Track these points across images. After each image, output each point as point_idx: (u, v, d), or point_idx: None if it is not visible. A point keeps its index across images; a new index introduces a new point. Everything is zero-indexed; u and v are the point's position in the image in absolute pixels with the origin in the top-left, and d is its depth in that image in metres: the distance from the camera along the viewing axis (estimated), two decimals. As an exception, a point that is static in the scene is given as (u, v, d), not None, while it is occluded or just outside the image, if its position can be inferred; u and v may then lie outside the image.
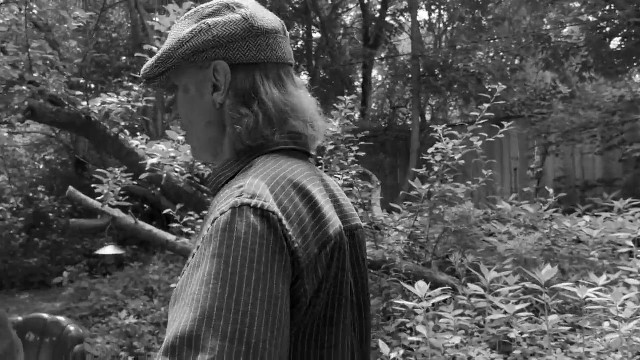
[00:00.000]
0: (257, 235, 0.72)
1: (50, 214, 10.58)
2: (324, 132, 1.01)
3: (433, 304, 3.22)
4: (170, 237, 4.52)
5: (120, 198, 3.59)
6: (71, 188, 4.01)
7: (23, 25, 2.85)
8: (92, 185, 3.36)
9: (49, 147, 11.69)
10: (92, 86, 11.57)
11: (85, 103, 2.94)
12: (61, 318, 3.00)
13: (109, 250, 4.17)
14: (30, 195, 10.59)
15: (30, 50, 2.75)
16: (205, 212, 2.22)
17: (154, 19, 2.87)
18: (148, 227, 4.61)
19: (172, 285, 6.26)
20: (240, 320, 0.67)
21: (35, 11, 7.65)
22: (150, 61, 0.92)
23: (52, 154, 11.77)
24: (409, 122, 12.73)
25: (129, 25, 10.99)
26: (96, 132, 2.97)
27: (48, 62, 2.96)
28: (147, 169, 2.79)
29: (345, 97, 3.88)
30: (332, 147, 3.80)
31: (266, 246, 0.72)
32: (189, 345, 0.66)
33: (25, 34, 2.78)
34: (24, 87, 2.88)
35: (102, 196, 3.56)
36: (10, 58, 2.62)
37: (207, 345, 0.65)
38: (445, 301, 3.25)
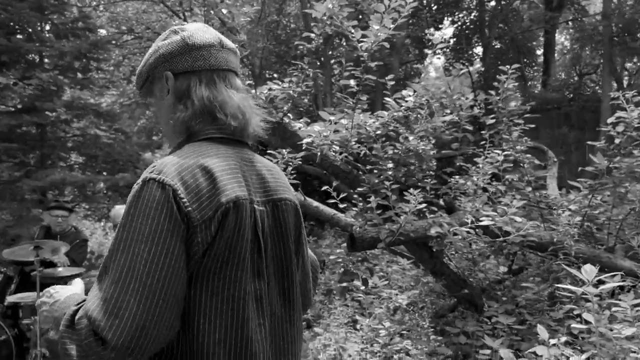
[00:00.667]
0: (154, 201, 1.02)
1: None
2: (257, 123, 1.24)
3: (612, 292, 2.89)
4: (335, 213, 4.77)
5: (290, 177, 3.92)
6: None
7: (211, 23, 3.25)
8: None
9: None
10: (275, 75, 12.68)
11: (253, 91, 3.28)
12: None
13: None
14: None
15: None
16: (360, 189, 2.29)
17: (310, 5, 3.07)
18: (315, 203, 4.93)
19: (338, 260, 6.63)
20: (129, 259, 1.00)
21: (224, 10, 8.69)
22: (135, 77, 1.26)
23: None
24: (599, 91, 11.22)
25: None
26: (263, 116, 3.30)
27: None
28: (303, 148, 3.02)
29: (507, 67, 3.63)
30: (492, 121, 3.60)
31: (160, 209, 1.01)
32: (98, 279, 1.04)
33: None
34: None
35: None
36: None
37: (104, 279, 1.03)
38: (624, 289, 2.90)
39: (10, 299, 4.20)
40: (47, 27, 7.00)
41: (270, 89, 3.33)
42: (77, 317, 1.02)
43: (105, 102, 7.86)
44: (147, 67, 1.22)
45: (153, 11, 9.87)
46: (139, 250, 1.00)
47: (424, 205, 3.13)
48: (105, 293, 0.99)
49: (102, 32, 8.30)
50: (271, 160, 3.77)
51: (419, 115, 3.66)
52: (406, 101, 3.58)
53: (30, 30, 6.54)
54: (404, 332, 3.67)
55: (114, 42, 8.43)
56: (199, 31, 1.22)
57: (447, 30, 19.35)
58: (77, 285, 1.26)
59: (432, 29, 16.22)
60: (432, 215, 3.35)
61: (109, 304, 0.98)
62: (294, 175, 4.10)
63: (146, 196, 1.03)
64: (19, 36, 6.37)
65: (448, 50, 15.45)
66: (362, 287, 4.13)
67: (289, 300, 1.24)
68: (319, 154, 3.14)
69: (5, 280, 4.10)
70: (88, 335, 0.97)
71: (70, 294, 1.17)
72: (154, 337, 0.99)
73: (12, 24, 6.22)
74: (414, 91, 3.70)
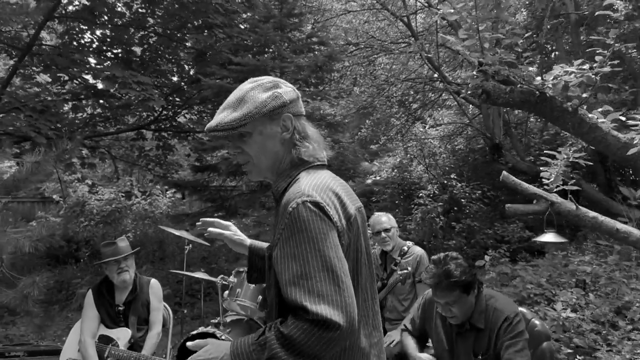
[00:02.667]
0: (317, 215, 1.36)
1: (462, 200, 11.28)
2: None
3: None
4: (620, 226, 3.84)
5: (569, 180, 3.22)
6: (505, 173, 3.89)
7: (472, 9, 2.81)
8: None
9: (458, 137, 12.51)
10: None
11: (539, 78, 2.71)
12: (524, 310, 2.88)
13: (549, 237, 3.84)
14: (445, 182, 11.56)
15: (480, 30, 2.69)
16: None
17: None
18: (592, 214, 4.05)
19: (604, 279, 5.49)
20: (325, 260, 1.32)
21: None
22: (235, 116, 1.50)
23: (461, 143, 12.54)
24: None
25: None
26: (552, 107, 2.70)
27: (495, 41, 2.86)
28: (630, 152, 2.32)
29: None
30: None
31: (321, 221, 1.36)
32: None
33: (475, 16, 2.74)
34: (474, 72, 2.86)
35: (549, 179, 3.29)
36: (468, 42, 2.63)
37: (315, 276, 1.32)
38: None
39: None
40: (285, 45, 7.42)
41: (557, 76, 2.70)
42: (287, 333, 1.29)
43: (338, 113, 8.07)
44: (267, 109, 1.50)
45: (375, 19, 9.95)
46: (327, 253, 1.32)
47: None
48: (318, 290, 1.28)
49: (334, 43, 8.60)
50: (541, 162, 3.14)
51: None
52: None
53: (272, 48, 7.01)
54: None
55: (343, 53, 8.64)
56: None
57: None
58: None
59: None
60: None
61: (326, 298, 1.27)
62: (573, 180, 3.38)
63: (308, 213, 1.35)
64: (264, 55, 6.86)
65: None
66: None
67: (374, 301, 1.64)
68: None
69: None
70: (307, 335, 1.26)
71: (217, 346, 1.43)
72: (356, 318, 1.30)
73: (259, 44, 6.73)
74: None
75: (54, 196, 13.71)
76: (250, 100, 1.50)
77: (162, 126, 10.14)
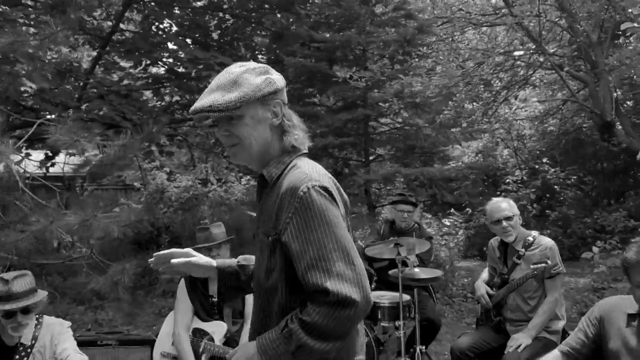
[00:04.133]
0: (326, 199, 1.41)
1: (556, 186, 10.37)
2: None
3: None
4: None
5: None
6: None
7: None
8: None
9: (550, 117, 11.51)
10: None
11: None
12: None
13: None
14: (535, 167, 10.68)
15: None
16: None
17: None
18: None
19: None
20: (339, 241, 1.38)
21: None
22: (231, 97, 1.47)
23: (554, 124, 11.54)
24: None
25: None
26: None
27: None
28: None
29: None
30: None
31: (331, 204, 1.41)
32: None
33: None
34: None
35: None
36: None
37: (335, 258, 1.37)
38: None
39: (372, 297, 3.97)
40: (369, 20, 6.93)
41: None
42: (305, 320, 1.35)
43: (430, 90, 7.53)
44: (261, 93, 1.49)
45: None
46: (340, 234, 1.39)
47: None
48: (337, 270, 1.34)
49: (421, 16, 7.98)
50: None
51: None
52: None
53: (356, 23, 6.55)
54: None
55: (435, 25, 8.03)
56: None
57: None
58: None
59: None
60: None
61: (344, 277, 1.33)
62: None
63: (319, 197, 1.40)
64: (348, 32, 6.42)
65: None
66: None
67: None
68: None
69: (368, 277, 3.86)
70: (327, 315, 1.33)
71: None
72: (370, 293, 1.37)
73: (342, 19, 6.30)
74: None
75: (135, 183, 14.13)
76: (245, 84, 1.49)
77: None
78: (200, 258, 1.78)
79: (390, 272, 3.94)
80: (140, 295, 6.80)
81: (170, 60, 7.17)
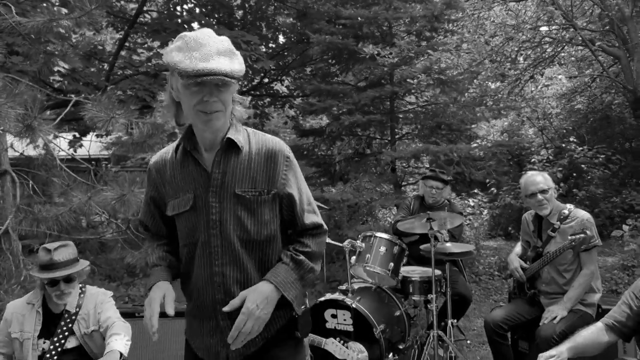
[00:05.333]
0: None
1: (583, 165, 10.19)
2: None
3: None
4: None
5: None
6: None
7: None
8: None
9: (577, 95, 11.26)
10: None
11: None
12: None
13: None
14: (562, 145, 10.50)
15: None
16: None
17: None
18: None
19: None
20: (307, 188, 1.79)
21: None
22: (241, 68, 1.56)
23: (581, 102, 11.29)
24: None
25: None
26: None
27: None
28: None
29: None
30: None
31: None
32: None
33: None
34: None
35: None
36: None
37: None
38: None
39: (403, 272, 4.01)
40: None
41: None
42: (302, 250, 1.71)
43: (457, 70, 7.42)
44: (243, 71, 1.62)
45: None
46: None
47: None
48: (317, 209, 1.78)
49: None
50: None
51: None
52: None
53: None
54: None
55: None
56: None
57: None
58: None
59: None
60: None
61: (319, 213, 1.79)
62: None
63: (294, 156, 1.74)
64: (374, 8, 6.35)
65: None
66: None
67: None
68: None
69: (399, 252, 3.89)
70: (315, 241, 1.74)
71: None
72: None
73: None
74: None
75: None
76: (239, 56, 1.59)
77: (259, 93, 10.04)
78: (167, 290, 1.67)
79: (421, 246, 3.96)
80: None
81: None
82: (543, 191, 3.32)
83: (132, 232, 4.67)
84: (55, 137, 5.10)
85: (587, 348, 2.26)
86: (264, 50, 8.74)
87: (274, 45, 9.30)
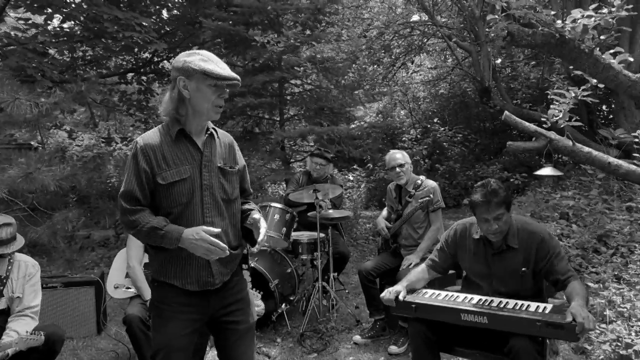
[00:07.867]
0: None
1: (445, 143, 11.74)
2: None
3: None
4: (612, 160, 4.27)
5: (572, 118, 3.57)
6: (507, 113, 4.19)
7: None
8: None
9: (441, 82, 12.80)
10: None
11: (559, 22, 2.97)
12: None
13: (547, 171, 4.21)
14: (428, 126, 11.96)
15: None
16: None
17: None
18: (586, 149, 4.45)
19: (586, 212, 6.02)
20: None
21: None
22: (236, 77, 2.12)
23: (444, 88, 12.86)
24: None
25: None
26: (570, 49, 2.99)
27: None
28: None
29: None
30: None
31: None
32: None
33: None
34: (496, 16, 3.11)
35: (556, 117, 3.62)
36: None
37: None
38: None
39: (294, 235, 4.69)
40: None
41: (574, 20, 2.97)
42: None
43: (338, 56, 8.17)
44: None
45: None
46: None
47: None
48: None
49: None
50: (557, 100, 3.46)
51: None
52: None
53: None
54: None
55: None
56: None
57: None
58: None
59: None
60: None
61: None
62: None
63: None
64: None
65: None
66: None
67: None
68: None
69: (290, 219, 4.56)
70: None
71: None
72: None
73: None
74: None
75: (32, 142, 13.43)
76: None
77: (147, 70, 10.03)
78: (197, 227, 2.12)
79: (309, 214, 4.69)
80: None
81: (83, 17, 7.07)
82: (400, 165, 4.20)
83: (38, 208, 4.79)
84: None
85: (417, 282, 3.08)
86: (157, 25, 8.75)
87: (157, 19, 9.28)
